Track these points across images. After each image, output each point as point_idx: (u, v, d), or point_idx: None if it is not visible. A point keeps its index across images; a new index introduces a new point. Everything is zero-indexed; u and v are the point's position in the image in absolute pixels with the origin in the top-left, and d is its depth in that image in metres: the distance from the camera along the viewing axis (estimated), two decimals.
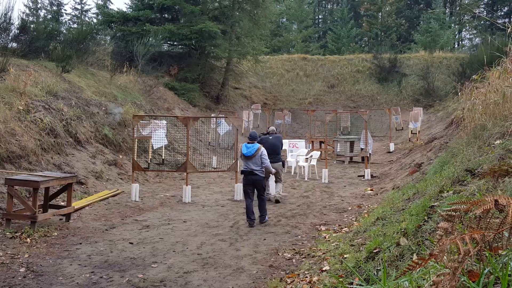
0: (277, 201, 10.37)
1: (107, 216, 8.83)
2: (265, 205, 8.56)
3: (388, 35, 43.76)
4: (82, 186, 10.41)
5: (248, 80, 30.95)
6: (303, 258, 6.18)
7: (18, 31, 15.99)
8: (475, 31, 43.76)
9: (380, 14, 46.37)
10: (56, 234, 7.38)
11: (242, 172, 8.51)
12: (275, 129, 11.23)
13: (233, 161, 11.30)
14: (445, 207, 3.70)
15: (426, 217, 4.41)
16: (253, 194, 8.50)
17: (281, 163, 10.59)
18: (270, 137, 10.54)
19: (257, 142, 8.71)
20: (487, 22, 38.11)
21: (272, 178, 10.65)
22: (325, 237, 7.14)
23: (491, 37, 14.30)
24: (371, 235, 5.43)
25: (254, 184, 8.39)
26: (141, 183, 12.08)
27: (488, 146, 5.66)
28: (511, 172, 3.85)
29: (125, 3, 51.56)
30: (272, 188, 10.68)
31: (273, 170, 9.16)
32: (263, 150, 8.50)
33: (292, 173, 14.96)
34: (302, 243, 7.02)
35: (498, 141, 5.53)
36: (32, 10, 41.07)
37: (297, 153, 15.25)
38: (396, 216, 5.66)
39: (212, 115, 20.60)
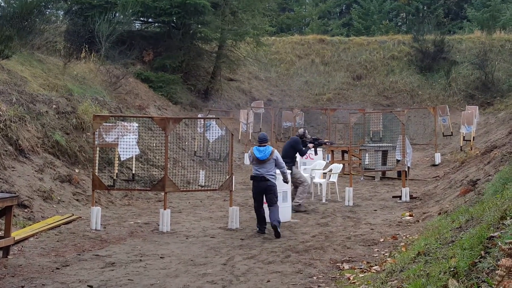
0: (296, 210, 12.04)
1: (58, 250, 8.82)
2: (278, 213, 10.04)
3: (433, 10, 43.92)
4: (26, 210, 10.41)
5: (247, 69, 31.03)
6: None
7: None
8: None
9: None
10: None
11: (252, 177, 10.17)
12: (301, 132, 13.12)
13: (227, 177, 11.31)
14: (508, 239, 3.71)
15: (483, 252, 4.42)
16: (263, 202, 10.16)
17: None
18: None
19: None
20: None
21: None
22: (348, 278, 7.14)
23: None
24: (410, 276, 5.44)
25: (266, 191, 10.04)
26: (104, 206, 12.08)
27: None
28: None
29: None
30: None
31: (289, 177, 10.87)
32: (277, 153, 10.23)
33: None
34: (319, 286, 7.01)
35: None
36: None
37: (312, 166, 15.24)
38: (444, 251, 5.67)
39: (199, 115, 20.64)
